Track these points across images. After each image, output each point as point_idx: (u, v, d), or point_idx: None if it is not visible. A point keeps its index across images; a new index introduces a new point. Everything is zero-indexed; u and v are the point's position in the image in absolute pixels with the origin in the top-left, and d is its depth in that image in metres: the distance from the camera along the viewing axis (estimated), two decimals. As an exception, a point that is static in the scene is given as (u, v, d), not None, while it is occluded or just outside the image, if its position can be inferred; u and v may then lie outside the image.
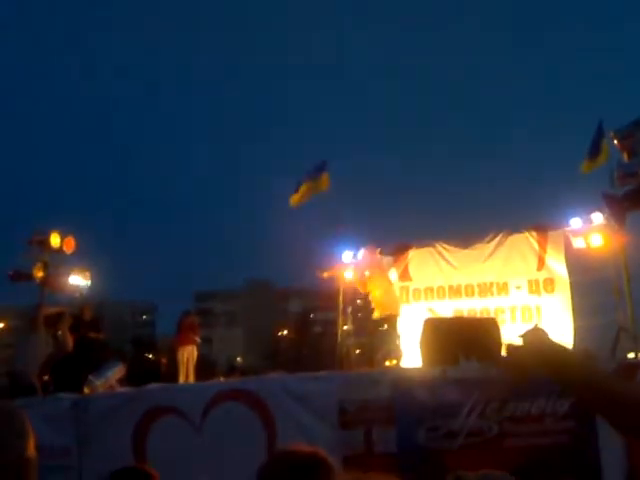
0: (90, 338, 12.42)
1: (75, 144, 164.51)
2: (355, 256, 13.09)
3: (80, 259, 13.31)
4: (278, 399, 7.77)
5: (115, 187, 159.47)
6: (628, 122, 10.41)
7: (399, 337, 10.86)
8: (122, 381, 9.91)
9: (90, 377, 9.02)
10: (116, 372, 9.51)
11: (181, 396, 8.34)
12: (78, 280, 12.88)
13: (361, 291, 12.77)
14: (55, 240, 12.09)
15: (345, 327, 13.00)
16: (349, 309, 13.42)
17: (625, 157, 10.34)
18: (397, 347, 10.43)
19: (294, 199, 13.22)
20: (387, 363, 10.02)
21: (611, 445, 6.75)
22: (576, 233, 12.28)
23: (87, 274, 13.04)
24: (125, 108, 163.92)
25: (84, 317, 12.88)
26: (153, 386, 9.41)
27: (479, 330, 8.50)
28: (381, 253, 13.40)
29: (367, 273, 12.39)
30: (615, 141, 10.56)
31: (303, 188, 13.19)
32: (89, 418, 8.32)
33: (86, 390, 8.87)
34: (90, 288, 13.34)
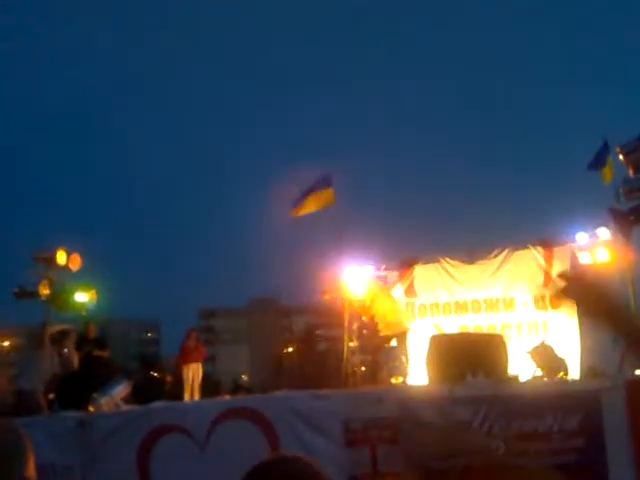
0: (95, 356, 12.39)
1: (84, 161, 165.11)
2: (361, 272, 13.04)
3: (86, 277, 13.32)
4: (283, 417, 7.73)
5: (122, 205, 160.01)
6: (634, 137, 10.41)
7: (405, 354, 10.80)
8: (127, 399, 9.86)
9: (95, 395, 8.97)
10: (121, 390, 9.46)
11: (186, 414, 8.30)
12: (84, 298, 12.87)
13: (366, 309, 12.71)
14: (61, 257, 12.10)
15: (351, 344, 12.90)
16: (354, 326, 13.34)
17: (631, 172, 10.32)
18: (402, 364, 10.35)
19: (298, 212, 13.15)
20: (393, 381, 9.94)
21: (620, 462, 6.67)
22: (582, 248, 12.23)
23: (93, 292, 13.03)
24: (141, 131, 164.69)
25: (89, 335, 12.85)
26: (158, 404, 9.37)
27: (486, 346, 8.45)
28: (386, 269, 13.35)
29: (370, 290, 12.35)
30: (620, 156, 10.54)
31: (309, 202, 13.15)
32: (94, 437, 8.28)
33: (91, 408, 8.82)
34: (96, 306, 13.32)
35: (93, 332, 13.03)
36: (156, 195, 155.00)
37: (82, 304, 12.88)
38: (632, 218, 10.07)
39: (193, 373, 13.77)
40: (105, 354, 12.80)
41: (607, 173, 11.45)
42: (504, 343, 8.93)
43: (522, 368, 9.79)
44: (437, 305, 13.10)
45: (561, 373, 8.94)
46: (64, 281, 12.57)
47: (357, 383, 11.72)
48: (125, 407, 9.25)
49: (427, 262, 13.40)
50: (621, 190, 10.11)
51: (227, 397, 12.45)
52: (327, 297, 13.05)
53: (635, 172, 10.22)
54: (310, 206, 13.08)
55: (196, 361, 13.99)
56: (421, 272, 13.34)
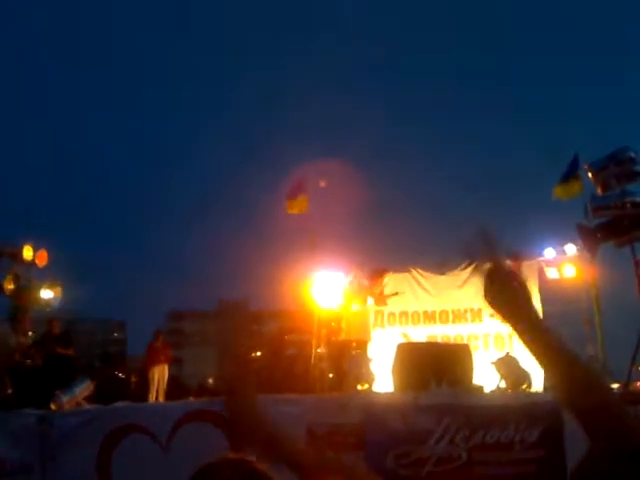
0: (58, 353, 12.19)
1: (49, 158, 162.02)
2: (332, 279, 13.06)
3: (52, 273, 13.13)
4: (247, 420, 7.68)
5: (93, 202, 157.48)
6: (603, 156, 10.61)
7: (370, 361, 10.84)
8: (90, 398, 9.72)
9: (57, 393, 8.83)
10: (84, 389, 9.33)
11: (149, 415, 8.21)
12: (49, 294, 12.69)
13: (335, 315, 12.74)
14: (27, 253, 11.92)
15: (319, 350, 12.90)
16: (323, 332, 13.35)
17: (599, 190, 10.51)
18: (369, 371, 10.39)
19: (290, 207, 13.17)
20: (359, 387, 9.96)
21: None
22: (549, 263, 12.44)
23: (58, 289, 12.85)
24: (101, 122, 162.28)
25: (53, 332, 12.64)
26: (120, 404, 9.25)
27: (451, 356, 8.52)
28: (357, 277, 13.40)
29: (344, 295, 12.38)
30: (589, 174, 10.73)
31: (288, 205, 13.22)
32: (54, 435, 8.14)
33: (52, 406, 8.68)
34: (62, 303, 13.13)
35: (57, 329, 12.82)
36: (128, 193, 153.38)
37: (47, 301, 12.69)
38: (599, 235, 10.24)
39: (159, 375, 13.65)
40: (69, 352, 12.60)
41: (574, 187, 11.64)
42: (469, 353, 9.01)
43: (487, 379, 9.89)
44: (406, 314, 13.20)
45: (525, 385, 9.04)
46: (30, 277, 12.38)
47: (324, 389, 11.72)
48: (87, 406, 9.12)
49: (398, 271, 13.50)
50: (589, 207, 10.29)
51: (191, 399, 12.33)
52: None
53: (603, 190, 10.41)
54: (288, 209, 13.16)
55: (162, 363, 13.88)
56: (392, 281, 13.42)
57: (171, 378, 15.67)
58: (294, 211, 13.26)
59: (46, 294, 12.61)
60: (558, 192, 12.15)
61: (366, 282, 13.40)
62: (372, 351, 11.56)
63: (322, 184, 14.42)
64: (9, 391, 10.63)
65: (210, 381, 67.13)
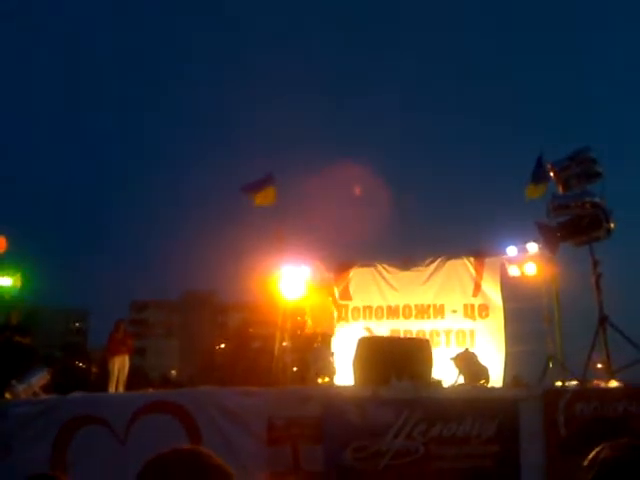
0: (15, 342, 11.95)
1: (10, 142, 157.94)
2: (298, 273, 13.05)
3: (11, 261, 12.85)
4: (206, 412, 7.65)
5: (52, 190, 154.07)
6: (565, 155, 10.77)
7: (332, 355, 10.87)
8: (47, 388, 9.55)
9: (13, 382, 8.66)
10: (40, 378, 9.17)
11: (106, 406, 8.11)
12: (7, 282, 12.42)
13: (300, 309, 12.74)
14: (-15, 239, 11.66)
15: (284, 343, 12.89)
16: (288, 325, 13.34)
17: (560, 189, 10.67)
18: (330, 364, 10.41)
19: (256, 200, 13.11)
20: (319, 380, 9.98)
21: (532, 469, 6.89)
22: (512, 261, 12.61)
23: (17, 277, 12.58)
24: (64, 104, 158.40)
25: (11, 320, 12.39)
26: (76, 395, 9.09)
27: (411, 351, 8.58)
28: (323, 271, 13.41)
29: (309, 288, 12.40)
30: (552, 173, 10.88)
31: (253, 197, 13.15)
32: (9, 425, 8.00)
33: (7, 395, 8.51)
34: (21, 292, 12.87)
35: (15, 318, 12.57)
36: (91, 179, 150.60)
37: (6, 289, 12.43)
38: (559, 234, 10.40)
39: (119, 365, 13.47)
40: (26, 340, 12.36)
41: (542, 186, 11.80)
42: (429, 348, 9.08)
43: (447, 374, 10.00)
44: (370, 309, 13.25)
45: (482, 381, 9.16)
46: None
47: (287, 382, 11.72)
48: (44, 396, 8.96)
49: (363, 266, 13.54)
50: (550, 206, 10.43)
51: (150, 390, 12.20)
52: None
53: (564, 189, 10.57)
54: (254, 199, 13.10)
55: (123, 353, 13.70)
56: (357, 275, 13.47)
57: (134, 369, 15.49)
58: (261, 203, 13.20)
59: (4, 282, 12.34)
60: (530, 192, 12.31)
61: (331, 276, 13.44)
62: (335, 345, 11.60)
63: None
64: None
65: (173, 372, 66.83)
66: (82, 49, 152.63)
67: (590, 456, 1.47)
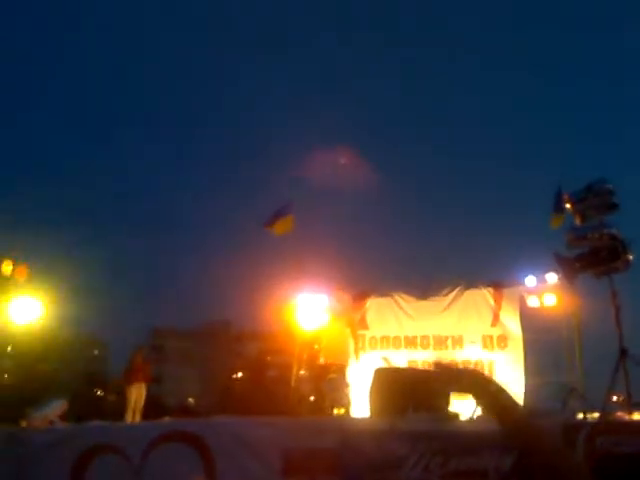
0: (38, 370, 12.07)
1: (28, 170, 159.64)
2: (315, 301, 13.06)
3: (32, 289, 13.01)
4: (222, 442, 7.61)
5: (75, 217, 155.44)
6: (582, 186, 10.75)
7: (348, 386, 10.81)
8: (65, 417, 9.60)
9: (29, 410, 8.71)
10: (57, 407, 9.21)
11: (122, 435, 8.10)
12: (29, 310, 12.57)
13: (316, 338, 12.73)
14: (7, 267, 11.84)
15: (301, 372, 12.85)
16: (305, 354, 13.31)
17: (577, 221, 10.63)
18: (345, 396, 10.35)
19: (271, 228, 13.19)
20: (335, 411, 9.91)
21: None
22: (531, 292, 12.53)
23: (39, 304, 12.73)
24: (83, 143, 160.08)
25: (34, 349, 12.54)
26: (94, 424, 9.14)
27: (429, 383, 8.49)
28: (340, 300, 13.41)
29: (322, 320, 12.38)
30: (568, 205, 10.86)
31: (273, 227, 13.24)
32: (25, 453, 8.01)
33: (23, 423, 8.55)
34: (42, 319, 13.02)
35: (38, 346, 12.72)
36: (110, 209, 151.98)
37: (27, 316, 12.57)
38: (577, 265, 10.33)
39: (137, 393, 13.48)
40: (48, 368, 12.47)
41: (557, 219, 11.74)
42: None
43: (463, 406, 9.90)
44: (387, 338, 13.19)
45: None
46: (9, 292, 12.27)
47: (304, 411, 11.67)
48: (60, 424, 9.00)
49: (381, 295, 13.52)
50: (567, 237, 10.39)
51: (167, 419, 12.19)
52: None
53: (582, 221, 10.53)
54: (274, 229, 13.19)
55: (141, 381, 13.71)
56: (374, 305, 13.45)
57: (150, 397, 15.47)
58: (279, 232, 13.28)
59: (26, 309, 12.49)
60: (554, 223, 12.24)
61: (348, 305, 13.43)
62: (351, 375, 11.54)
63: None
64: None
65: (190, 400, 66.55)
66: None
67: None
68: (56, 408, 9.12)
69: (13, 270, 11.95)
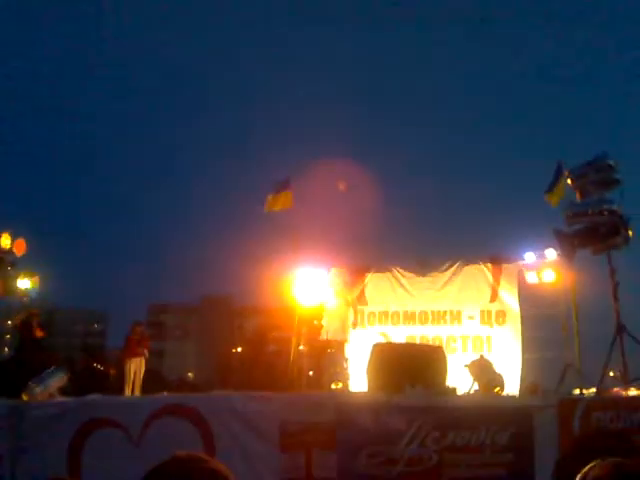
0: (34, 342, 12.09)
1: (32, 147, 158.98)
2: (314, 277, 13.05)
3: (30, 263, 13.01)
4: (220, 416, 7.67)
5: (76, 193, 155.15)
6: (582, 162, 10.66)
7: (346, 360, 10.86)
8: (65, 390, 9.63)
9: (30, 384, 8.74)
10: (58, 380, 9.24)
11: (121, 409, 8.16)
12: (26, 284, 12.57)
13: (316, 313, 12.75)
14: (5, 241, 11.80)
15: (300, 348, 12.89)
16: (304, 330, 13.33)
17: (577, 196, 10.56)
18: (344, 370, 10.39)
19: (267, 206, 13.14)
20: (333, 386, 9.96)
21: (546, 478, 6.81)
22: (529, 267, 12.51)
23: (36, 279, 12.73)
24: (101, 117, 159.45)
25: (30, 321, 12.53)
26: (93, 397, 9.17)
27: (426, 358, 8.54)
28: (339, 275, 13.40)
29: (325, 293, 12.40)
30: (569, 180, 10.77)
31: (269, 202, 13.17)
32: (25, 426, 8.08)
33: (24, 397, 8.59)
34: (42, 293, 13.02)
35: (35, 319, 12.72)
36: (113, 184, 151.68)
37: (24, 290, 12.58)
38: (576, 242, 10.30)
39: (135, 367, 13.51)
40: (44, 337, 12.46)
41: (555, 196, 11.67)
42: (444, 355, 9.03)
43: (461, 381, 9.96)
44: (386, 314, 13.22)
45: (497, 388, 9.08)
46: (7, 266, 12.27)
47: (303, 386, 11.72)
48: (60, 398, 9.04)
49: (379, 271, 13.51)
50: (566, 213, 10.33)
51: (165, 393, 12.24)
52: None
53: (582, 197, 10.46)
54: (270, 206, 13.11)
55: (139, 356, 13.74)
56: (373, 280, 13.45)
57: (151, 371, 15.53)
58: (277, 207, 13.21)
59: (23, 283, 12.50)
60: (549, 198, 12.20)
61: (347, 281, 13.43)
62: (350, 350, 11.58)
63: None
64: None
65: (190, 375, 67.07)
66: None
67: (583, 471, 1.48)
68: (56, 381, 9.15)
69: (12, 244, 11.92)
